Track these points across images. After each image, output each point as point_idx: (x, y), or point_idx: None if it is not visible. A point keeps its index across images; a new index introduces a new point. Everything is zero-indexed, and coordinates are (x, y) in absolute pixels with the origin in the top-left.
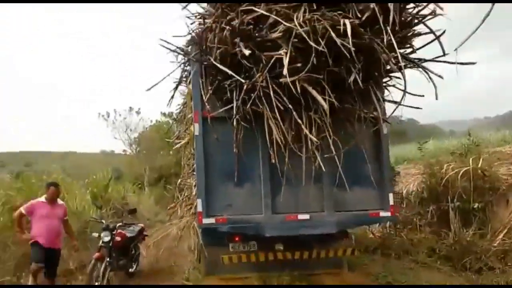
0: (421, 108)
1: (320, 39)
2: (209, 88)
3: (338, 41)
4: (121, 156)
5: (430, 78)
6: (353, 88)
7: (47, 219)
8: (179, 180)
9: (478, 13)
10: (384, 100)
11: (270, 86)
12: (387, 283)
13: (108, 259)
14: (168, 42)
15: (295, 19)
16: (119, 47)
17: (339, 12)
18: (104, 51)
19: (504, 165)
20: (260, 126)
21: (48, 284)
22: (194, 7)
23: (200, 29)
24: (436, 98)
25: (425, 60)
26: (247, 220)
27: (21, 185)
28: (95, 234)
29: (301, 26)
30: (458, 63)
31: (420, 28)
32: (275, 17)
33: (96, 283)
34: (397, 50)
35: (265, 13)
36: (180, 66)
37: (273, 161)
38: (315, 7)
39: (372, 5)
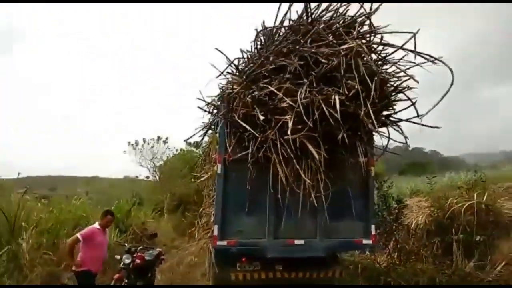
0: (407, 139)
1: (315, 110)
2: (232, 137)
3: (327, 112)
4: (144, 181)
5: (402, 134)
6: (341, 143)
7: (101, 246)
8: (200, 209)
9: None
10: (372, 147)
11: (278, 140)
12: None
13: (126, 280)
14: (203, 99)
15: (298, 94)
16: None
17: (333, 88)
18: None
19: None
20: (269, 169)
21: None
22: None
23: (229, 92)
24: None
25: (400, 120)
26: (253, 243)
27: (51, 209)
28: (117, 257)
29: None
30: (422, 125)
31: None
32: (281, 95)
33: None
34: (372, 117)
35: (275, 91)
36: (210, 116)
37: (278, 196)
38: (314, 85)
39: (356, 85)
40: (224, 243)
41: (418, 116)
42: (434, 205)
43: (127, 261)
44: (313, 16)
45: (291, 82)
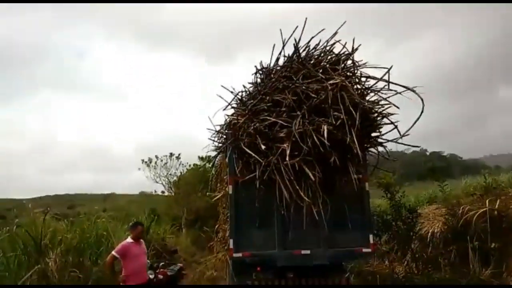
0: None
1: (308, 138)
2: (240, 162)
3: (316, 139)
4: (159, 197)
5: (387, 153)
6: (333, 165)
7: (139, 257)
8: (217, 226)
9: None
10: (366, 166)
11: (279, 164)
12: None
13: None
14: (214, 129)
15: (293, 125)
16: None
17: (323, 118)
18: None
19: None
20: (274, 189)
21: None
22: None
23: (234, 123)
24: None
25: (387, 141)
26: (264, 254)
27: (75, 229)
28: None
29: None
30: (404, 144)
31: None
32: (279, 127)
33: None
34: (356, 142)
35: (273, 121)
36: (220, 143)
37: (283, 212)
38: (307, 116)
39: (342, 115)
40: (240, 254)
41: (401, 136)
42: (448, 213)
43: (151, 276)
44: (302, 55)
45: (287, 115)
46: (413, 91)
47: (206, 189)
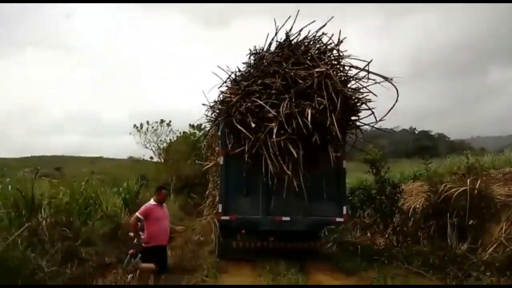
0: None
1: (293, 119)
2: (231, 136)
3: (300, 121)
4: (148, 162)
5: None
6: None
7: (162, 220)
8: (207, 192)
9: None
10: (344, 145)
11: (266, 141)
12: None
13: (140, 255)
14: (208, 104)
15: (281, 107)
16: None
17: (308, 102)
18: None
19: (507, 186)
20: (261, 162)
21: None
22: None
23: (228, 101)
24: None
25: (364, 124)
26: (249, 219)
27: (64, 188)
28: (131, 234)
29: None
30: (378, 129)
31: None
32: (268, 108)
33: (129, 275)
34: (335, 125)
35: (263, 104)
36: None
37: (268, 182)
38: (293, 99)
39: (325, 101)
40: (227, 217)
41: (376, 121)
42: (431, 190)
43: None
44: (293, 42)
45: (275, 97)
46: (390, 81)
47: (196, 157)
